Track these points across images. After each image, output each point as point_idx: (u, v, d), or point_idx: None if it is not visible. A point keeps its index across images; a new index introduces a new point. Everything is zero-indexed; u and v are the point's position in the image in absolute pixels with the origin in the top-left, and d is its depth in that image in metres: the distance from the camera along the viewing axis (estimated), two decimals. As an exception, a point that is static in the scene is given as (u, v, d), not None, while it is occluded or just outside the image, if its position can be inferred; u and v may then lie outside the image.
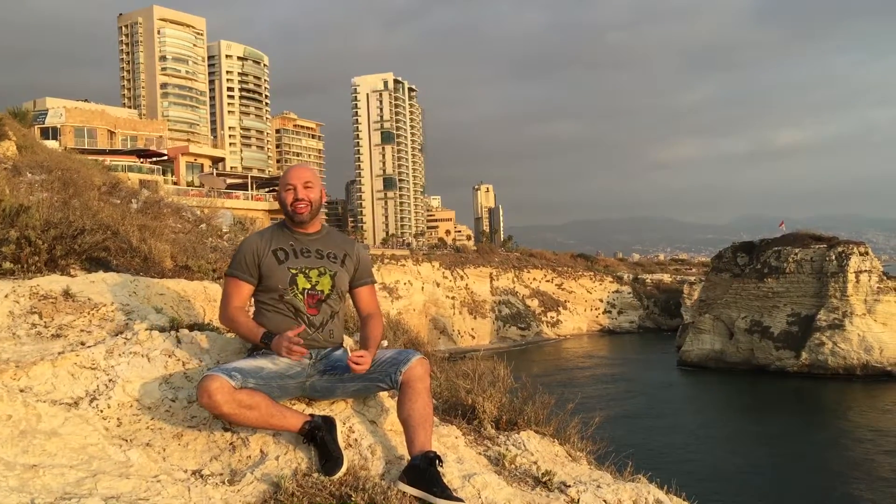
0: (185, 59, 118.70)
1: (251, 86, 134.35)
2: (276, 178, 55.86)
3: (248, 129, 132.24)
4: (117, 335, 3.51)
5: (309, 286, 3.30)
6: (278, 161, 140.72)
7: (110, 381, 3.16)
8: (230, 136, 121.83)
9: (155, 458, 2.85)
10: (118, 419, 3.02)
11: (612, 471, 3.80)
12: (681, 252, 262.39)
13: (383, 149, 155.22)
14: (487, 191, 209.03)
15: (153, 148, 62.82)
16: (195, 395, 2.96)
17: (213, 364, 3.36)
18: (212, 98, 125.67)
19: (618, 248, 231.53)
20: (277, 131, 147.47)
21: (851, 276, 58.67)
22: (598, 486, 3.32)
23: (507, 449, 3.61)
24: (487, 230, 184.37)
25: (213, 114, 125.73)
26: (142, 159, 58.66)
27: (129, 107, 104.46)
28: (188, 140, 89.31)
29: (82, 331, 3.60)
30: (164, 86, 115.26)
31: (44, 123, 61.01)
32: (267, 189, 60.50)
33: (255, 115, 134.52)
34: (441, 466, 2.89)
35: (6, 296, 3.75)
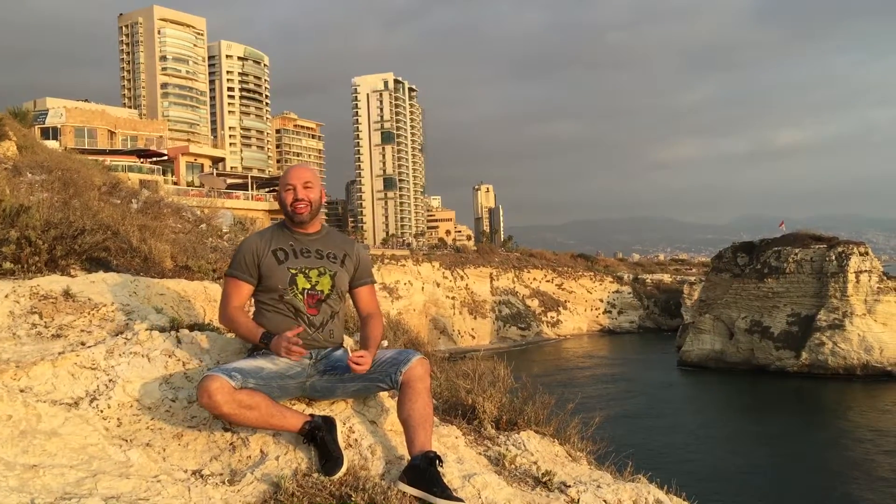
0: (185, 59, 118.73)
1: (251, 86, 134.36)
2: (276, 178, 55.82)
3: (248, 129, 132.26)
4: (117, 335, 3.51)
5: (309, 286, 3.30)
6: (278, 161, 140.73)
7: (110, 381, 3.16)
8: (230, 136, 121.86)
9: (155, 458, 2.86)
10: (118, 419, 3.02)
11: (612, 471, 3.80)
12: (681, 252, 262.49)
13: (383, 149, 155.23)
14: (487, 191, 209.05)
15: (153, 148, 62.84)
16: (195, 396, 2.96)
17: (213, 364, 3.36)
18: (212, 98, 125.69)
19: (618, 248, 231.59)
20: (277, 131, 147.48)
21: (851, 277, 58.67)
22: (598, 486, 3.32)
23: (507, 449, 3.61)
24: (487, 230, 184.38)
25: (213, 114, 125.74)
26: (142, 159, 58.66)
27: (130, 107, 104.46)
28: (188, 140, 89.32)
29: (82, 331, 3.60)
30: (164, 86, 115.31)
31: (44, 123, 61.04)
32: (267, 189, 60.48)
33: (256, 115, 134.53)
34: (441, 466, 2.89)
35: (6, 296, 3.75)
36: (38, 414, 2.88)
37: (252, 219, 20.82)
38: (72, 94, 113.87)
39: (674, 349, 72.67)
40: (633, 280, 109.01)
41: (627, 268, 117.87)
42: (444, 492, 2.77)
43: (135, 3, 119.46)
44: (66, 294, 3.84)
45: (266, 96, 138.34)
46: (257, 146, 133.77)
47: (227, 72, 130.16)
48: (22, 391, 2.99)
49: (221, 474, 2.83)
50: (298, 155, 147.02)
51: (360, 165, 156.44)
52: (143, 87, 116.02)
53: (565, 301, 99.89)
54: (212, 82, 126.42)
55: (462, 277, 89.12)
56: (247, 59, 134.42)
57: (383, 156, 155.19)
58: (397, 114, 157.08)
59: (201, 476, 2.80)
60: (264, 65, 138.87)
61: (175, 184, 56.35)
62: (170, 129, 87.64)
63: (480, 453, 3.51)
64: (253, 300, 3.43)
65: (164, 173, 58.79)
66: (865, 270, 59.19)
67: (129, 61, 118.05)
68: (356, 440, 3.13)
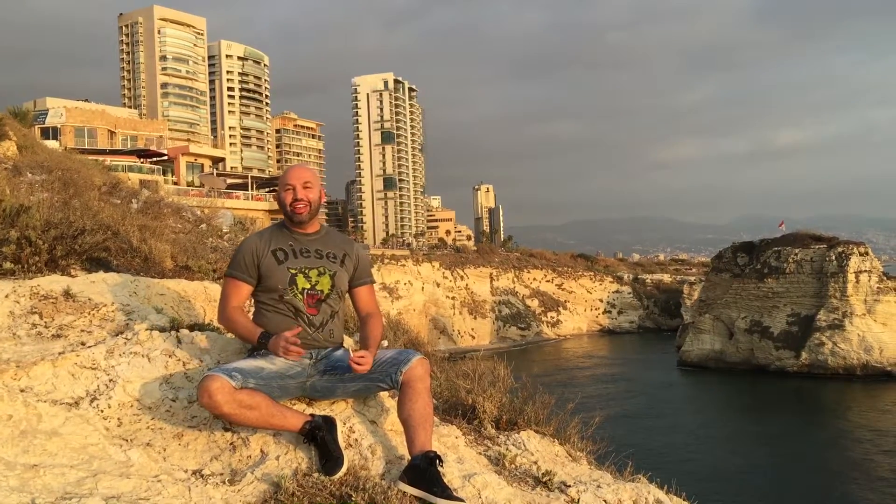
0: (185, 59, 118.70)
1: (251, 86, 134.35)
2: (276, 178, 55.74)
3: (248, 129, 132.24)
4: (118, 335, 3.51)
5: (308, 286, 3.30)
6: (278, 161, 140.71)
7: (111, 381, 3.16)
8: (230, 136, 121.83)
9: (155, 457, 2.86)
10: (118, 419, 3.02)
11: (612, 471, 3.80)
12: (681, 252, 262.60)
13: (383, 149, 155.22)
14: (487, 191, 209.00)
15: (153, 148, 62.81)
16: (195, 396, 2.96)
17: (213, 364, 3.36)
18: (212, 98, 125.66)
19: (618, 248, 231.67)
20: (277, 131, 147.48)
21: (851, 277, 58.68)
22: (599, 486, 3.33)
23: (507, 449, 3.61)
24: (487, 230, 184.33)
25: (213, 114, 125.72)
26: (142, 159, 58.63)
27: (130, 107, 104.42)
28: (188, 140, 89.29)
29: (83, 331, 3.60)
30: (164, 86, 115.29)
31: (44, 123, 61.03)
32: (267, 189, 60.45)
33: (256, 115, 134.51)
34: (441, 466, 2.89)
35: (7, 296, 3.75)
36: (38, 414, 2.88)
37: (252, 219, 20.80)
38: (72, 94, 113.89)
39: (674, 349, 72.69)
40: (633, 280, 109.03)
41: (627, 268, 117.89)
42: (445, 492, 2.78)
43: (135, 3, 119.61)
44: (67, 294, 3.84)
45: (266, 96, 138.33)
46: (257, 146, 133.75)
47: (227, 72, 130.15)
48: (22, 391, 2.99)
49: (222, 474, 2.83)
50: (298, 155, 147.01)
51: (360, 165, 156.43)
52: (143, 87, 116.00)
53: (565, 301, 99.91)
54: (212, 82, 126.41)
55: (462, 277, 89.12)
56: (247, 59, 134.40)
57: (383, 156, 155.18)
58: (397, 114, 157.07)
59: (202, 476, 2.80)
60: (264, 65, 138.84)
61: (175, 184, 56.32)
62: (170, 129, 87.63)
63: (480, 453, 3.52)
64: (253, 300, 3.43)
65: (164, 173, 58.76)
66: (865, 270, 59.20)
67: (129, 61, 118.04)
68: (356, 440, 3.13)
